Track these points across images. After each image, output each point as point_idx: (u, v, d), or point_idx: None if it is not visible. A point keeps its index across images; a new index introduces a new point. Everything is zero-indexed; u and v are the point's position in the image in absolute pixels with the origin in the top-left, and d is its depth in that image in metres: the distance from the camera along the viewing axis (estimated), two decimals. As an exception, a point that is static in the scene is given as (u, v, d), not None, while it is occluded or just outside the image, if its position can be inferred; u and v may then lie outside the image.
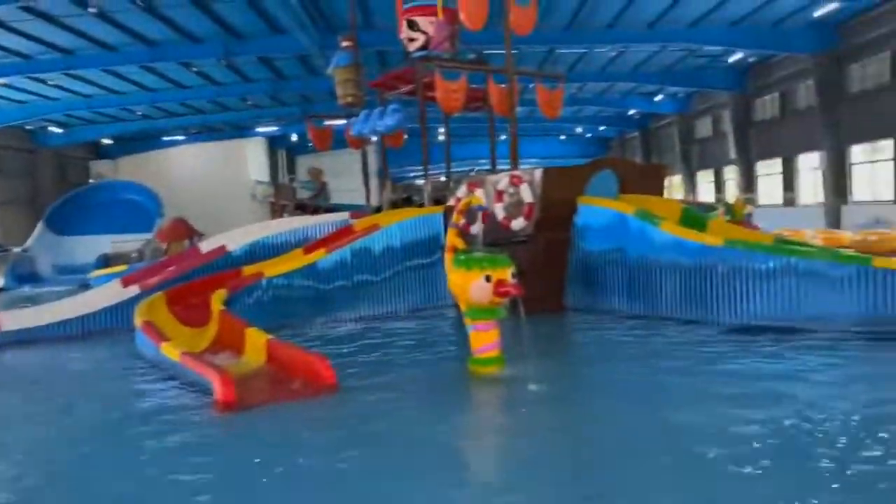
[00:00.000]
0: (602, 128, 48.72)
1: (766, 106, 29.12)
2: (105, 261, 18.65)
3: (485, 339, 6.76)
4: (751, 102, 30.10)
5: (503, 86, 12.73)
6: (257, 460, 4.65)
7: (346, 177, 24.67)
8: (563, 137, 51.67)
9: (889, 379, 6.23)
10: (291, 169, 43.56)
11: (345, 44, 14.97)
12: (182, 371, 7.03)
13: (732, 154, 31.10)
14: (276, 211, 17.25)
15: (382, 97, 14.44)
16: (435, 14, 13.02)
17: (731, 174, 32.46)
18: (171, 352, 7.32)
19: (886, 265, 7.96)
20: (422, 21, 13.27)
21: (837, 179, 23.85)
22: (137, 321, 8.54)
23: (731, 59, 27.94)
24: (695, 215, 10.30)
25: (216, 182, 33.75)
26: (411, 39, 13.40)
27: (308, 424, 5.51)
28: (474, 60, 13.84)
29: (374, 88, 14.68)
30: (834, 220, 23.55)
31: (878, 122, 21.62)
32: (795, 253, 8.33)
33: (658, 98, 36.56)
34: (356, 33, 15.02)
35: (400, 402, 5.94)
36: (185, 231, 16.45)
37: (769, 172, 29.77)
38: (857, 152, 23.48)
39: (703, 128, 35.81)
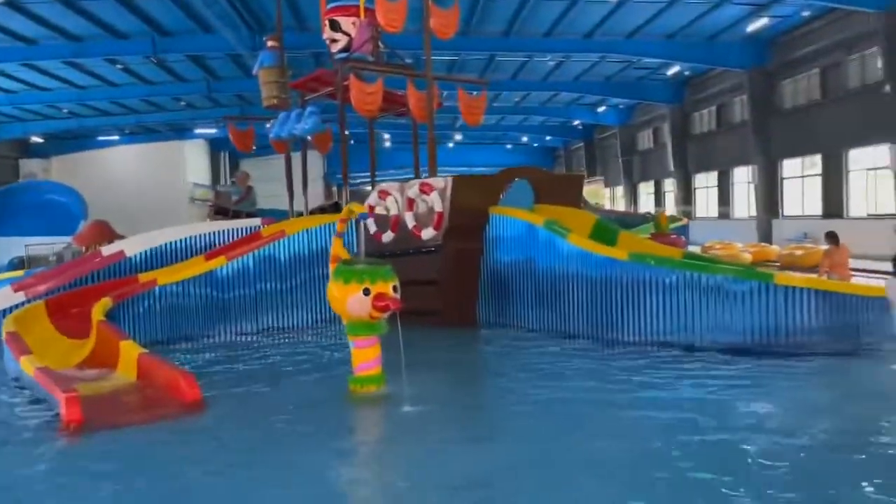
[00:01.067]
0: (548, 138, 48.89)
1: (703, 119, 29.50)
2: (20, 264, 17.73)
3: (365, 357, 6.38)
4: (688, 115, 30.45)
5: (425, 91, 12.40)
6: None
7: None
8: (509, 146, 51.66)
9: (797, 398, 6.14)
10: (234, 172, 42.58)
11: (270, 44, 14.44)
12: (38, 387, 6.49)
13: (671, 166, 31.41)
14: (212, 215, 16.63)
15: (303, 99, 13.98)
16: (357, 15, 12.63)
17: (671, 186, 32.78)
18: (27, 366, 6.74)
19: (788, 282, 7.86)
20: (344, 22, 12.83)
21: (769, 194, 24.19)
22: (3, 332, 7.91)
23: (669, 72, 28.23)
24: (607, 227, 10.10)
25: (153, 184, 32.68)
26: (333, 40, 12.96)
27: (157, 445, 5.08)
28: (396, 64, 13.47)
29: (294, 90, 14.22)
30: (765, 234, 23.87)
31: (808, 137, 21.97)
32: (698, 268, 8.16)
33: (601, 109, 36.79)
34: (282, 34, 14.51)
35: (264, 423, 5.52)
36: (106, 234, 15.68)
37: (706, 185, 30.13)
38: (789, 167, 23.82)
39: (644, 140, 36.16)
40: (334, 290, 6.29)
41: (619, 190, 39.59)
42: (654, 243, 9.99)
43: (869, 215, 19.73)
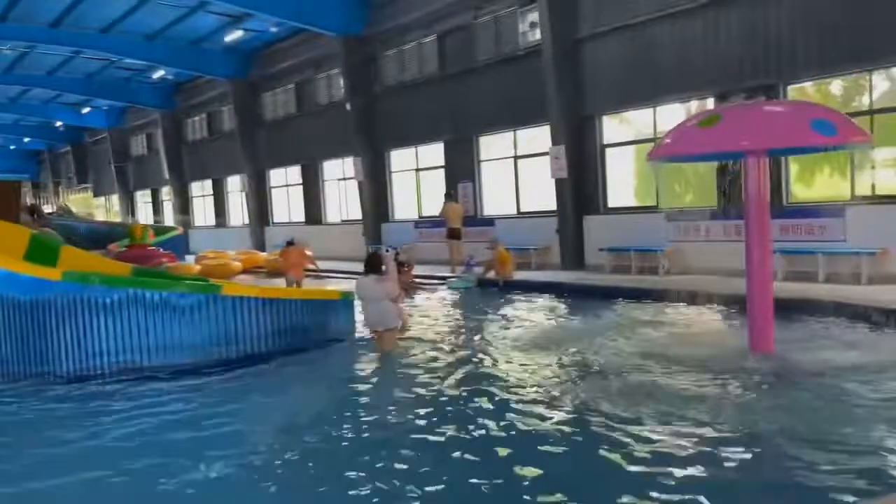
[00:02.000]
0: (27, 139, 42.75)
1: (196, 126, 29.04)
2: None
3: None
4: (181, 122, 29.66)
5: None
6: None
7: None
8: (-25, 146, 43.65)
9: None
10: None
11: None
12: None
13: (166, 174, 30.20)
14: None
15: None
16: None
17: (169, 195, 31.54)
18: None
19: (235, 292, 7.71)
20: None
21: (259, 202, 24.95)
22: None
23: (156, 76, 27.00)
24: (45, 244, 8.65)
25: None
26: None
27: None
28: None
29: None
30: (258, 242, 24.54)
31: (289, 148, 23.23)
32: (142, 284, 7.46)
33: (86, 110, 33.42)
34: None
35: None
36: None
37: (202, 194, 29.77)
38: (276, 176, 24.90)
39: (139, 145, 34.10)
40: None
41: (114, 199, 36.65)
42: (101, 259, 8.92)
43: (342, 221, 21.77)
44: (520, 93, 15.39)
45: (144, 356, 7.33)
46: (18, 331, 7.34)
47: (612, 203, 14.39)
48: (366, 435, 5.21)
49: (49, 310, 7.29)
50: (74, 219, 28.28)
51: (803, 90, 11.55)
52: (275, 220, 25.02)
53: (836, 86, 11.50)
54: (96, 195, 39.02)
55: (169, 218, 31.61)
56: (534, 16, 14.86)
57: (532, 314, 10.67)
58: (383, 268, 8.20)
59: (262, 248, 23.79)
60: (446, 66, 17.44)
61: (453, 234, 15.16)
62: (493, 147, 16.97)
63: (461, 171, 17.32)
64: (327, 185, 22.49)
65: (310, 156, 22.57)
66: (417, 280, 14.08)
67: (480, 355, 7.64)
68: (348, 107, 19.57)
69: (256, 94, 24.56)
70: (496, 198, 16.84)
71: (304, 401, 6.28)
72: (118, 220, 33.07)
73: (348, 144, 19.94)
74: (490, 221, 16.54)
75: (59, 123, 37.26)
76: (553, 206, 14.81)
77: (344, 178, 21.33)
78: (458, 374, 6.86)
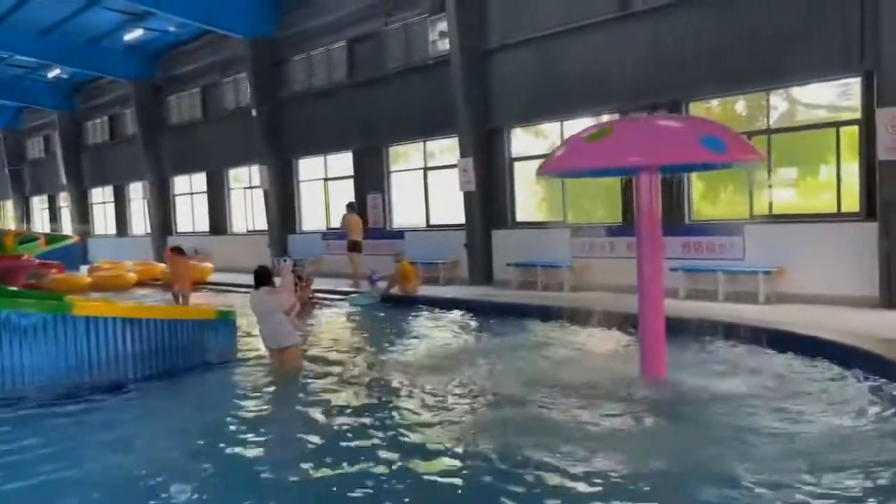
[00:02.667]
0: None
1: (97, 129, 27.45)
2: None
3: None
4: (81, 124, 28.00)
5: None
6: None
7: None
8: None
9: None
10: None
11: None
12: None
13: (64, 179, 28.44)
14: None
15: None
16: None
17: (67, 201, 29.74)
18: None
19: (87, 312, 6.92)
20: None
21: (162, 211, 23.71)
22: None
23: (51, 74, 25.40)
24: None
25: None
26: None
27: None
28: None
29: None
30: (160, 252, 23.25)
31: (195, 155, 22.15)
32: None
33: (-27, 108, 31.23)
34: None
35: None
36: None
37: (103, 200, 28.16)
38: (180, 184, 23.72)
39: (35, 147, 32.04)
40: None
41: (8, 205, 34.36)
42: None
43: (249, 231, 20.84)
44: (430, 103, 14.98)
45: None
46: None
47: (520, 217, 14.12)
48: (235, 475, 4.69)
49: None
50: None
51: (708, 109, 11.55)
52: (178, 230, 23.78)
53: (741, 105, 11.55)
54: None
55: (67, 226, 29.86)
56: (444, 25, 14.49)
57: (433, 333, 10.28)
58: (277, 279, 7.80)
59: (162, 258, 22.57)
60: (356, 74, 16.88)
61: (354, 247, 14.58)
62: (403, 158, 16.50)
63: (371, 181, 16.76)
64: (233, 193, 21.52)
65: (215, 163, 21.55)
66: (318, 295, 13.45)
67: (376, 377, 7.25)
68: (254, 112, 18.75)
69: (161, 97, 23.36)
70: (406, 210, 16.35)
71: (158, 434, 5.63)
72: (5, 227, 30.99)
73: (255, 152, 19.10)
74: (400, 234, 16.04)
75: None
76: (462, 219, 14.43)
77: (250, 187, 20.43)
78: (351, 401, 6.46)
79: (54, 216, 31.62)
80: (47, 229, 31.19)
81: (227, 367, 7.87)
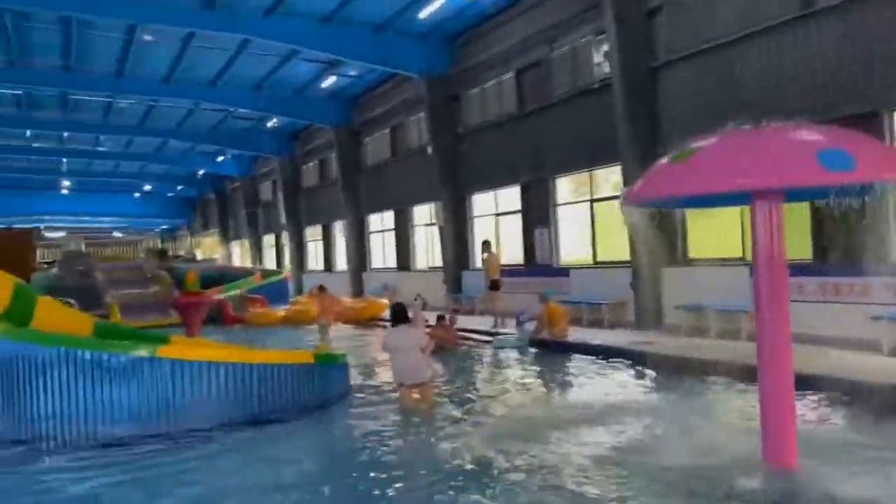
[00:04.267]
0: (180, 187, 46.26)
1: (310, 172, 29.66)
2: None
3: None
4: (298, 168, 30.44)
5: None
6: None
7: None
8: (137, 195, 47.69)
9: None
10: None
11: None
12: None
13: (283, 219, 31.06)
14: None
15: None
16: None
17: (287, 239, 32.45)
18: None
19: (171, 354, 6.91)
20: None
21: (358, 247, 24.75)
22: None
23: (269, 124, 27.92)
24: (26, 293, 8.40)
25: None
26: None
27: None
28: None
29: None
30: (357, 286, 24.28)
31: (385, 193, 22.90)
32: (76, 343, 6.86)
33: (220, 159, 35.43)
34: None
35: None
36: None
37: (315, 239, 30.22)
38: (374, 222, 24.62)
39: (266, 191, 35.51)
40: None
41: (245, 244, 38.39)
42: (65, 310, 8.53)
43: (430, 268, 20.92)
44: (595, 129, 13.87)
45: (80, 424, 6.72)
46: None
47: (694, 253, 12.43)
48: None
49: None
50: (193, 263, 29.78)
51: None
52: (372, 266, 24.67)
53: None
54: (232, 240, 41.09)
55: (287, 262, 32.49)
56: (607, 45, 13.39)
57: (577, 382, 9.21)
58: (410, 316, 8.04)
59: (360, 293, 23.48)
60: (525, 104, 16.26)
61: (494, 286, 13.84)
62: (569, 189, 15.47)
63: (537, 215, 15.92)
64: (416, 230, 21.81)
65: (401, 201, 22.05)
66: (463, 336, 12.85)
67: (507, 426, 6.86)
68: (430, 150, 18.85)
69: (358, 140, 24.59)
70: (572, 245, 15.26)
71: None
72: (237, 264, 34.48)
73: (432, 189, 19.19)
74: (565, 272, 14.97)
75: (201, 172, 39.84)
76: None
77: (431, 224, 20.54)
78: (479, 449, 5.97)
79: (279, 253, 34.61)
80: (274, 265, 34.35)
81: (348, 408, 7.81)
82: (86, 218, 49.71)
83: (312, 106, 24.31)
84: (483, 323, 13.98)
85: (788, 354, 4.92)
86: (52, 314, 8.11)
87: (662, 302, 12.51)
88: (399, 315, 7.67)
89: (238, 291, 21.34)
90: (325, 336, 12.52)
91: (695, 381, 8.45)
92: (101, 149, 34.52)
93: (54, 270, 25.19)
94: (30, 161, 36.33)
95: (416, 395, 7.48)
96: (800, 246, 10.52)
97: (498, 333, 12.78)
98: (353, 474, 5.64)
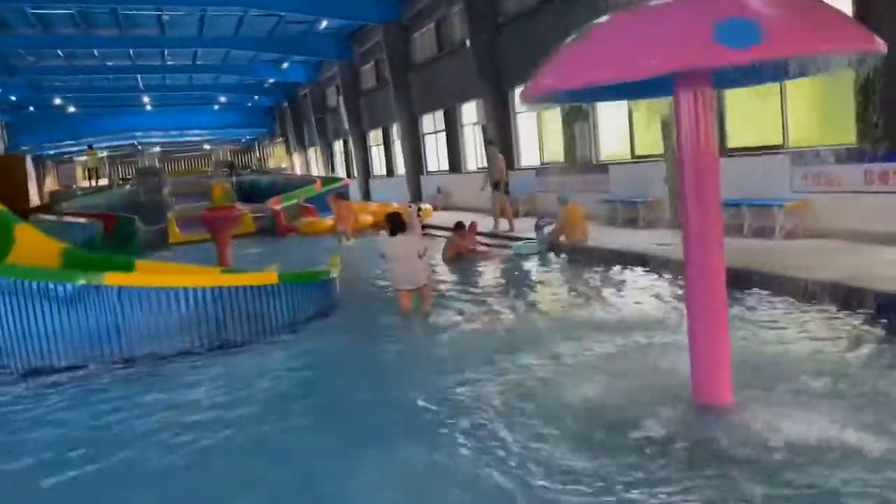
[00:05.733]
0: (256, 97, 46.59)
1: (368, 75, 28.89)
2: None
3: None
4: (357, 71, 29.73)
5: None
6: None
7: None
8: (217, 107, 48.46)
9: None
10: None
11: None
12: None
13: (346, 124, 30.72)
14: None
15: None
16: None
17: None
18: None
19: (118, 282, 6.77)
20: None
21: (414, 150, 24.17)
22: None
23: (322, 27, 27.16)
24: (7, 221, 8.43)
25: None
26: None
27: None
28: None
29: None
30: (415, 191, 23.88)
31: (435, 92, 21.98)
32: (20, 273, 6.80)
33: (285, 66, 35.08)
34: None
35: None
36: None
37: (378, 143, 29.80)
38: (427, 123, 23.84)
39: (332, 97, 35.10)
40: None
41: (312, 152, 38.58)
42: (38, 238, 8.46)
43: (479, 169, 20.12)
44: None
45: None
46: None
47: (734, 142, 11.13)
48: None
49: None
50: (260, 173, 30.19)
51: None
52: (428, 169, 24.10)
53: None
54: (307, 147, 41.34)
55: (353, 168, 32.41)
56: None
57: (588, 290, 8.49)
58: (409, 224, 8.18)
59: (418, 197, 23.09)
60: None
61: (498, 187, 13.08)
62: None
63: (576, 108, 14.74)
64: (465, 130, 20.93)
65: (449, 100, 21.11)
66: (483, 244, 12.27)
67: (503, 332, 6.83)
68: (468, 43, 17.71)
69: (407, 36, 23.51)
70: (611, 141, 14.11)
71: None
72: (304, 173, 34.69)
73: (475, 86, 18.16)
74: (604, 168, 13.92)
75: (270, 81, 39.78)
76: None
77: (477, 123, 19.61)
78: (465, 355, 5.98)
79: (347, 159, 34.54)
80: (343, 172, 34.44)
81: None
82: (174, 132, 51.37)
83: (360, 4, 23.31)
84: (527, 226, 13.19)
85: (720, 263, 4.12)
86: (29, 241, 8.15)
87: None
88: (396, 224, 7.88)
89: (296, 201, 21.42)
90: (344, 243, 12.57)
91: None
92: (169, 62, 34.87)
93: (128, 187, 26.19)
94: (108, 80, 37.29)
95: (422, 294, 7.80)
96: (843, 130, 9.18)
97: (518, 238, 12.12)
98: (313, 389, 5.65)
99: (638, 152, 13.31)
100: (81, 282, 6.61)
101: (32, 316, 6.66)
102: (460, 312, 7.81)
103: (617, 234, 11.52)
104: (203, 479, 4.08)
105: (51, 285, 6.60)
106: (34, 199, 35.87)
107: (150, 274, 7.37)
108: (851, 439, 3.64)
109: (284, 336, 7.23)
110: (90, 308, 6.62)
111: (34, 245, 8.13)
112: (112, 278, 6.68)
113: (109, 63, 33.51)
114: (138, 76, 37.27)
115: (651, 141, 12.71)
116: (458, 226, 11.70)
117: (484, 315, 7.63)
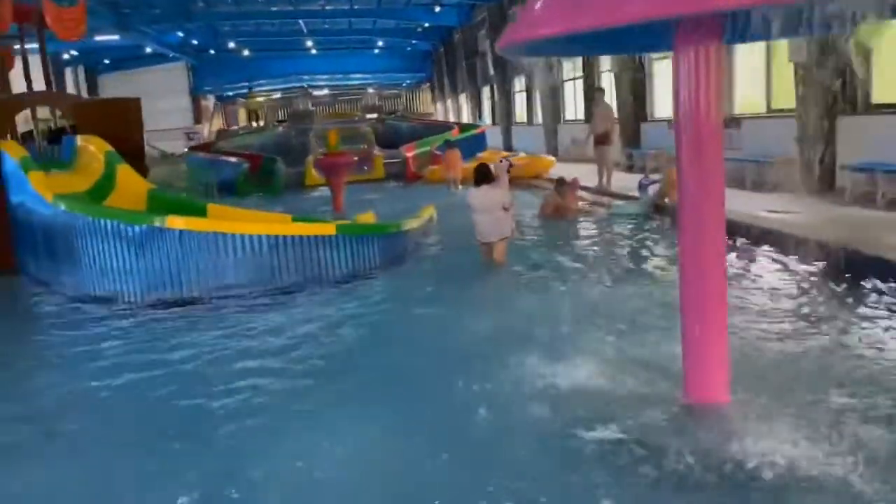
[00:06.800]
0: (414, 41, 46.94)
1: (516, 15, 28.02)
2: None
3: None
4: (505, 12, 28.83)
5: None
6: None
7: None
8: (376, 51, 49.43)
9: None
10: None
11: None
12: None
13: (491, 70, 30.17)
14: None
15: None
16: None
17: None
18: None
19: (178, 225, 7.06)
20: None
21: (552, 97, 23.30)
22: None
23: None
24: (114, 161, 9.02)
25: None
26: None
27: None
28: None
29: None
30: (551, 141, 23.14)
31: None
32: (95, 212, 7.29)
33: (438, 9, 34.87)
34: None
35: None
36: None
37: (521, 90, 29.03)
38: (567, 68, 22.77)
39: (483, 42, 34.51)
40: None
41: (463, 98, 38.35)
42: (133, 178, 8.94)
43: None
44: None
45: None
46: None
47: (880, 98, 9.56)
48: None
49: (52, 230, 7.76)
50: (401, 120, 30.55)
51: None
52: (566, 118, 23.16)
53: None
54: (457, 93, 41.23)
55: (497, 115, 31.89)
56: None
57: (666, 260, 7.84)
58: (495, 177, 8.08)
59: (554, 149, 22.36)
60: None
61: (602, 140, 12.11)
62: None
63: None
64: (603, 77, 19.74)
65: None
66: (585, 203, 11.58)
67: (569, 295, 6.64)
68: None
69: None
70: (747, 91, 12.68)
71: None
72: (443, 119, 34.56)
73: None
74: (737, 122, 12.58)
75: (426, 25, 39.80)
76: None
77: (609, 71, 18.42)
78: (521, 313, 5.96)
79: (494, 106, 34.05)
80: (489, 120, 34.09)
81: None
82: (338, 76, 53.26)
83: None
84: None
85: (721, 250, 3.51)
86: (126, 181, 8.73)
87: (836, 160, 10.01)
88: (482, 176, 7.84)
89: (429, 148, 21.49)
90: (452, 190, 13.10)
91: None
92: (328, 7, 35.84)
93: (280, 129, 27.56)
94: (273, 25, 39.06)
95: (498, 247, 7.80)
96: None
97: (625, 197, 11.33)
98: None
99: (775, 105, 11.87)
100: (146, 224, 6.97)
101: (110, 253, 7.19)
102: (529, 270, 7.67)
103: (734, 198, 10.39)
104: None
105: (121, 226, 7.04)
106: (204, 136, 38.81)
107: (211, 220, 7.63)
108: None
109: (339, 286, 7.26)
110: (154, 248, 6.99)
111: (129, 186, 8.71)
112: (173, 221, 6.99)
113: (273, 8, 35.06)
114: (300, 21, 38.69)
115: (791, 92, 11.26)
116: (560, 181, 11.14)
117: (554, 280, 7.24)
